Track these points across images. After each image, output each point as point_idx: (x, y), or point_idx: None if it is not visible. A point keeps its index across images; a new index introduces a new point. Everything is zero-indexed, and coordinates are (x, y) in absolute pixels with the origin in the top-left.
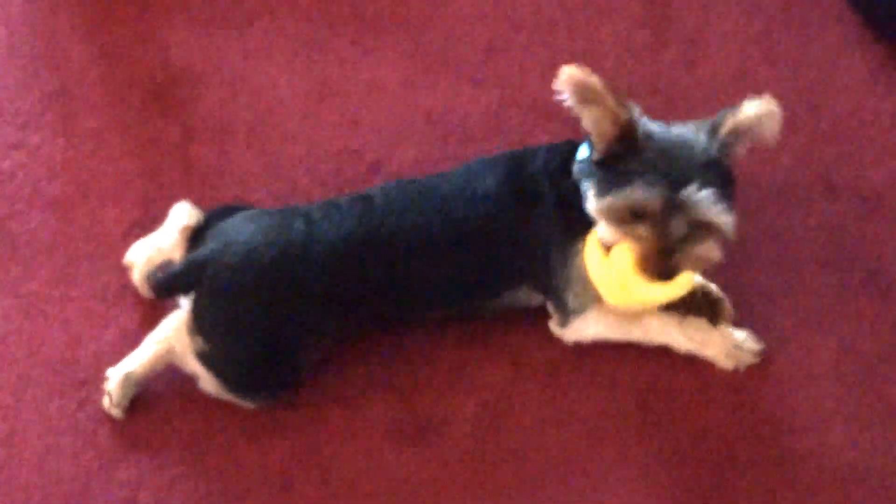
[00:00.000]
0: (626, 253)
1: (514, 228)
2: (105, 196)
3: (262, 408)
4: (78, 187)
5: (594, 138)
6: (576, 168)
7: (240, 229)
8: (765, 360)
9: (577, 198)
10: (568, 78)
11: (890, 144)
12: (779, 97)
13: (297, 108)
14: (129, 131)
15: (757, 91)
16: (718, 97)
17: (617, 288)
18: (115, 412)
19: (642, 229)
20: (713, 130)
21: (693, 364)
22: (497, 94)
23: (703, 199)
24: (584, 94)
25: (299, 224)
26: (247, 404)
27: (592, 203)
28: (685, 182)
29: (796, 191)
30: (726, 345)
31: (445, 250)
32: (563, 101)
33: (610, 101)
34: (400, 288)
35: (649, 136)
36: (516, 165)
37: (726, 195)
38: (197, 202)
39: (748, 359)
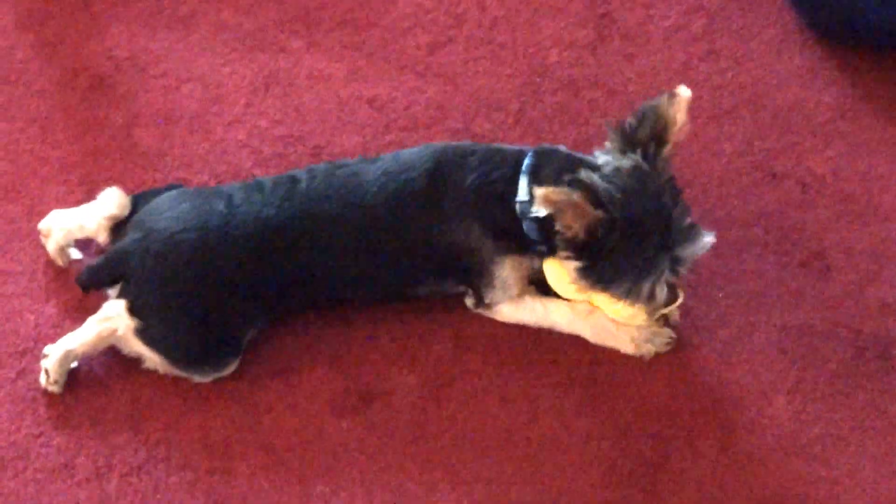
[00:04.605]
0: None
1: (429, 234)
2: (48, 178)
3: (208, 381)
4: (21, 169)
5: (568, 235)
6: (518, 208)
7: (160, 215)
8: (708, 336)
9: (512, 225)
10: (543, 197)
11: (829, 134)
12: (720, 90)
13: (240, 96)
14: (73, 117)
15: (697, 84)
16: (659, 90)
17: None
18: (53, 388)
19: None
20: (649, 154)
21: None
22: (440, 84)
23: (697, 252)
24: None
25: (220, 206)
26: (194, 378)
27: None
28: (678, 245)
29: (739, 178)
30: (631, 336)
31: (360, 243)
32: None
33: (587, 209)
34: (317, 275)
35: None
36: (442, 174)
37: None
38: (140, 184)
39: (658, 347)
